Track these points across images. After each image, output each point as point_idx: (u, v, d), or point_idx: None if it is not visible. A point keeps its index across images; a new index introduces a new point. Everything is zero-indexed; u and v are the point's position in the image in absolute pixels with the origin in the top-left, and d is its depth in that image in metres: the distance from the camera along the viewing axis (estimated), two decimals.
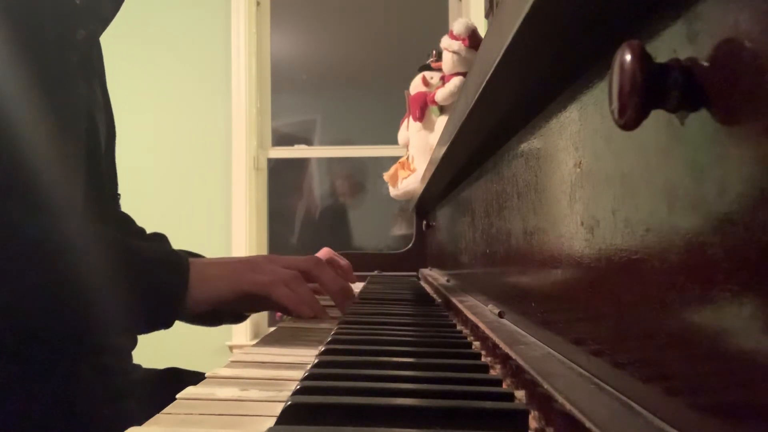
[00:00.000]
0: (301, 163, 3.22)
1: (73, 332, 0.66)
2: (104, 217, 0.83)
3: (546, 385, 0.34)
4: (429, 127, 1.51)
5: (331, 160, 3.25)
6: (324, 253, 1.12)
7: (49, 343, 0.67)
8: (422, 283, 1.32)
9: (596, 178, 0.33)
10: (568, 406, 0.30)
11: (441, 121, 1.44)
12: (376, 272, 1.53)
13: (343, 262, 1.11)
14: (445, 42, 1.35)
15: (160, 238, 0.98)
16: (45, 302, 0.62)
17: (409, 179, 1.52)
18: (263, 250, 2.84)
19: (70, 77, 0.74)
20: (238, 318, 0.93)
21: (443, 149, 0.76)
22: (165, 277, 0.68)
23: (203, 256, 0.82)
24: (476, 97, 0.48)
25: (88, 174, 0.76)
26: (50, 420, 0.65)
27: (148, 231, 0.98)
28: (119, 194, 0.92)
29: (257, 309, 0.89)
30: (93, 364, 0.72)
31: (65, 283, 0.63)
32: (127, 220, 0.97)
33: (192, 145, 2.75)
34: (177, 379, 0.76)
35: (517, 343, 0.45)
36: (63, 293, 0.63)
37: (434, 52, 1.51)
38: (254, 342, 0.69)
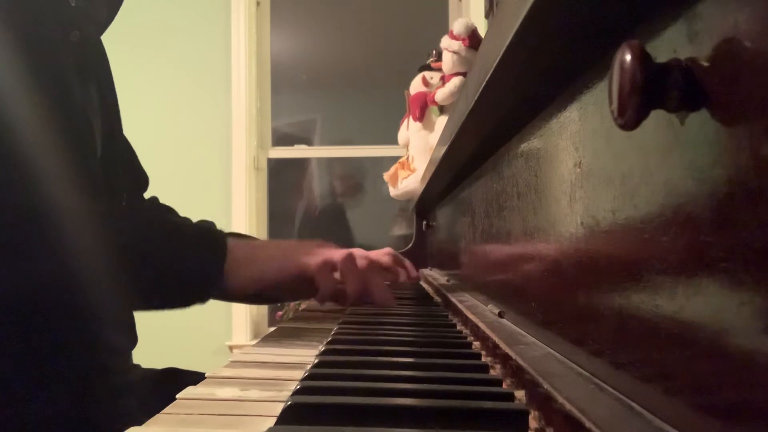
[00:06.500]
0: (301, 163, 3.21)
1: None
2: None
3: (546, 385, 0.34)
4: (429, 127, 1.51)
5: (331, 160, 3.25)
6: (386, 251, 1.06)
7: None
8: (422, 283, 1.32)
9: (596, 178, 0.33)
10: (568, 406, 0.30)
11: (441, 121, 1.44)
12: None
13: (407, 262, 1.07)
14: (445, 42, 1.35)
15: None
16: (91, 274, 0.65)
17: (409, 179, 1.52)
18: None
19: (65, 80, 0.73)
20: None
21: (443, 149, 0.76)
22: (201, 257, 0.72)
23: (255, 238, 0.86)
24: (476, 97, 0.48)
25: (78, 175, 0.75)
26: (47, 420, 0.65)
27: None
28: (124, 195, 0.91)
29: (302, 295, 0.90)
30: (92, 363, 0.72)
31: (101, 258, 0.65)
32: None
33: (192, 145, 2.74)
34: (177, 379, 0.75)
35: (517, 343, 0.45)
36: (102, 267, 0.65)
37: (434, 52, 1.51)
38: (254, 342, 0.69)
